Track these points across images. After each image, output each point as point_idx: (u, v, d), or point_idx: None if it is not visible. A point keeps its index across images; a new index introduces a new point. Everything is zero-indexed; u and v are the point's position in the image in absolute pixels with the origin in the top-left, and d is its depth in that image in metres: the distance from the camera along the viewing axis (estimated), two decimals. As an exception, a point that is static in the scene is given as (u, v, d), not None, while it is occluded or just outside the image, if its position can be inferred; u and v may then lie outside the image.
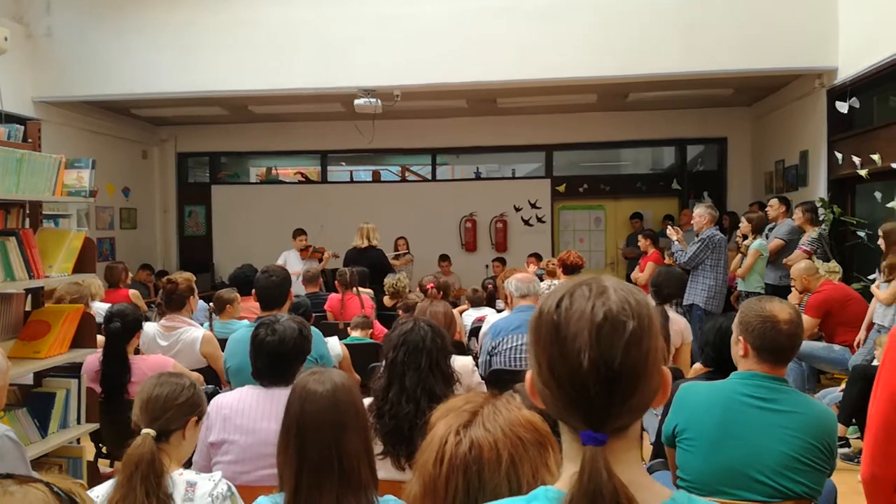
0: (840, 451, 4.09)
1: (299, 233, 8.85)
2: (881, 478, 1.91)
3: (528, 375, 1.05)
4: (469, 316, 6.14)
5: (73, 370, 3.56)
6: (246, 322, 4.46)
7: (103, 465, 4.11)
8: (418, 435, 2.16)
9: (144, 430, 2.03)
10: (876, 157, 6.45)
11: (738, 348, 2.36)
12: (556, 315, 0.98)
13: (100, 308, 5.09)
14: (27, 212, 3.46)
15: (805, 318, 5.32)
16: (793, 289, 6.05)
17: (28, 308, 3.51)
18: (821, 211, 7.14)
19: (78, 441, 3.49)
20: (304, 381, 1.89)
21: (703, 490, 2.22)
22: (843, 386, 5.09)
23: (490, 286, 7.43)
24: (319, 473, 1.77)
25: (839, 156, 7.25)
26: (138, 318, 3.89)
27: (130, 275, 7.23)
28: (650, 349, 0.97)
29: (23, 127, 3.48)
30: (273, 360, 2.66)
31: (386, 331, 4.35)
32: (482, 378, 3.62)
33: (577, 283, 1.02)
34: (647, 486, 1.00)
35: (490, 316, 5.40)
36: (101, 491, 2.00)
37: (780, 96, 8.95)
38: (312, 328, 3.03)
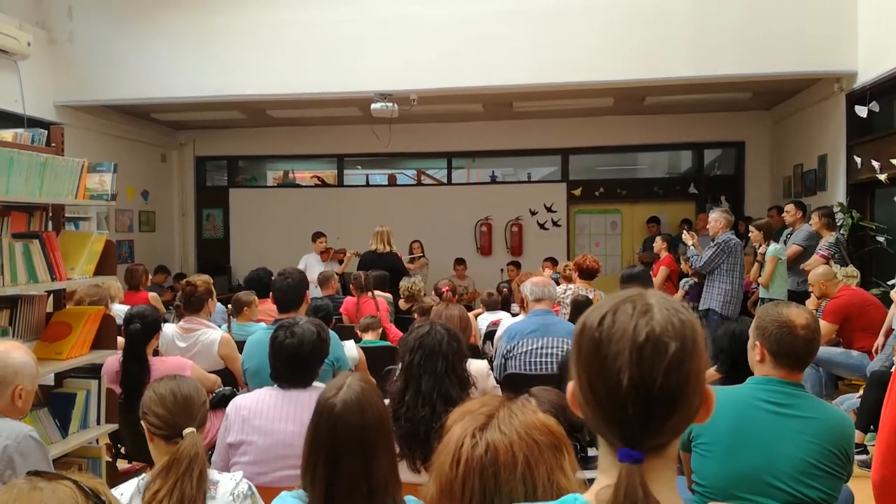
0: (857, 457, 4.06)
1: (319, 235, 8.89)
2: (892, 481, 1.90)
3: (570, 385, 1.04)
4: (484, 319, 6.16)
5: (94, 371, 3.61)
6: (263, 325, 4.51)
7: (122, 466, 4.16)
8: (434, 438, 2.18)
9: (188, 430, 2.05)
10: (895, 161, 6.39)
11: (754, 353, 2.36)
12: (598, 332, 0.97)
13: (119, 310, 5.15)
14: (50, 215, 3.52)
15: (823, 323, 5.28)
16: (811, 294, 6.01)
17: (50, 310, 3.56)
18: (839, 216, 7.08)
19: (97, 441, 3.53)
20: (331, 404, 1.81)
21: (718, 495, 2.22)
22: (860, 392, 5.04)
23: (505, 290, 7.44)
24: (349, 495, 1.75)
25: (858, 160, 7.20)
26: (157, 319, 3.94)
27: (150, 277, 7.30)
28: (692, 371, 0.96)
29: (46, 131, 3.54)
30: (292, 363, 2.68)
31: (401, 334, 4.38)
32: (497, 381, 3.63)
33: (623, 298, 1.01)
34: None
35: (505, 319, 5.41)
36: (127, 490, 2.03)
37: (799, 100, 8.89)
38: (330, 331, 3.05)
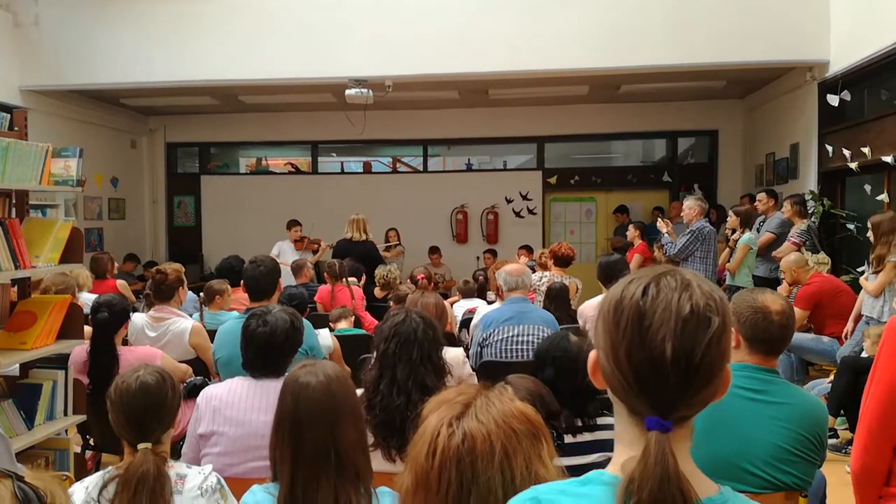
0: (829, 441, 4.12)
1: (294, 224, 8.80)
2: (873, 469, 1.91)
3: (593, 355, 1.07)
4: (460, 307, 6.14)
5: (60, 361, 3.53)
6: (235, 313, 4.44)
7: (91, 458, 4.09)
8: (409, 427, 2.15)
9: (142, 446, 2.00)
10: (866, 149, 6.48)
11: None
12: (643, 302, 1.00)
13: (87, 299, 5.05)
14: (13, 201, 3.42)
15: (795, 309, 5.33)
16: (782, 281, 6.07)
17: (14, 299, 3.47)
18: (810, 203, 7.16)
19: (65, 433, 3.46)
20: (296, 374, 1.87)
21: (694, 481, 2.22)
22: (831, 377, 5.11)
23: (481, 277, 7.42)
24: (316, 467, 1.76)
25: (830, 148, 7.27)
26: (126, 308, 3.86)
27: (117, 265, 7.17)
28: (727, 346, 1.00)
29: (9, 115, 3.43)
30: (264, 352, 2.64)
31: (377, 322, 4.34)
32: (473, 369, 3.61)
33: (661, 272, 1.03)
34: (699, 478, 1.02)
35: (481, 307, 5.39)
36: (90, 482, 1.98)
37: (772, 89, 8.97)
38: (304, 320, 3.00)
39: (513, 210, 10.87)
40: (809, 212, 7.02)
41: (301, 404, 1.80)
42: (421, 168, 11.44)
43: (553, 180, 10.84)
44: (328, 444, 1.76)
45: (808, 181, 7.77)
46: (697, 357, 0.96)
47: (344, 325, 5.04)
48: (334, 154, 11.98)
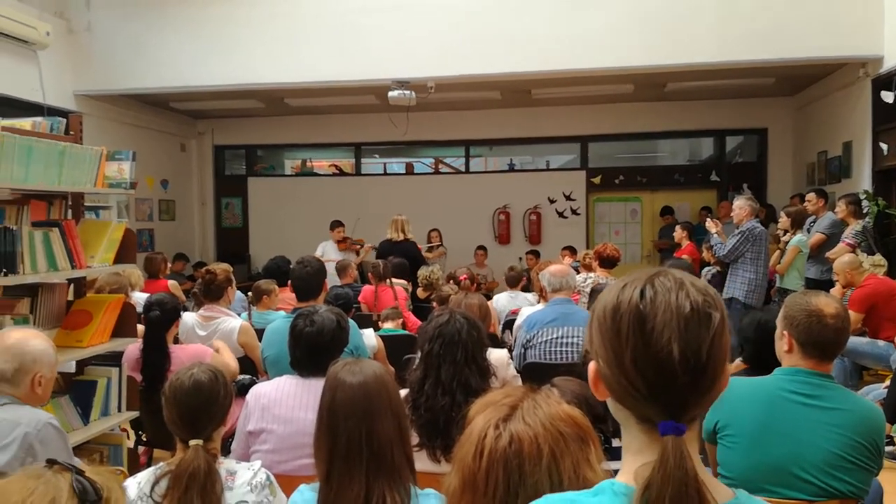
0: (886, 448, 3.99)
1: (337, 224, 8.90)
2: None
3: (593, 366, 1.04)
4: (503, 304, 6.08)
5: (114, 359, 3.63)
6: (283, 313, 4.51)
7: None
8: (454, 427, 2.15)
9: (193, 442, 2.03)
10: (923, 147, 6.27)
11: (782, 343, 2.31)
12: (643, 305, 0.98)
13: (139, 298, 5.17)
14: (69, 203, 3.52)
15: (849, 313, 5.19)
16: (836, 283, 5.91)
17: (70, 298, 3.57)
18: (865, 203, 6.96)
19: (119, 428, 3.55)
20: (335, 371, 1.90)
21: (744, 488, 2.17)
22: (887, 382, 4.95)
23: (525, 278, 7.38)
24: (349, 461, 1.77)
25: (884, 146, 7.06)
26: (177, 307, 3.95)
27: (170, 265, 7.33)
28: (727, 341, 1.00)
29: (65, 120, 3.54)
30: (311, 351, 2.67)
31: (420, 323, 4.35)
32: (517, 371, 3.60)
33: (652, 273, 1.02)
34: (711, 482, 0.99)
35: (525, 308, 5.37)
36: (143, 478, 2.03)
37: (823, 86, 8.74)
38: (349, 320, 3.03)
39: (556, 210, 10.79)
40: (864, 212, 6.82)
41: (337, 397, 1.84)
42: (463, 169, 11.44)
43: (597, 180, 10.73)
44: (361, 438, 1.78)
45: (862, 180, 7.55)
46: (704, 354, 0.95)
47: (389, 326, 5.08)
48: (377, 155, 12.06)
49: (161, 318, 3.76)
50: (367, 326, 4.60)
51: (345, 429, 1.79)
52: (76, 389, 3.36)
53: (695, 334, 0.95)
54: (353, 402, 1.82)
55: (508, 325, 5.50)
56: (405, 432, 1.89)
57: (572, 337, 4.01)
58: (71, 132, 3.52)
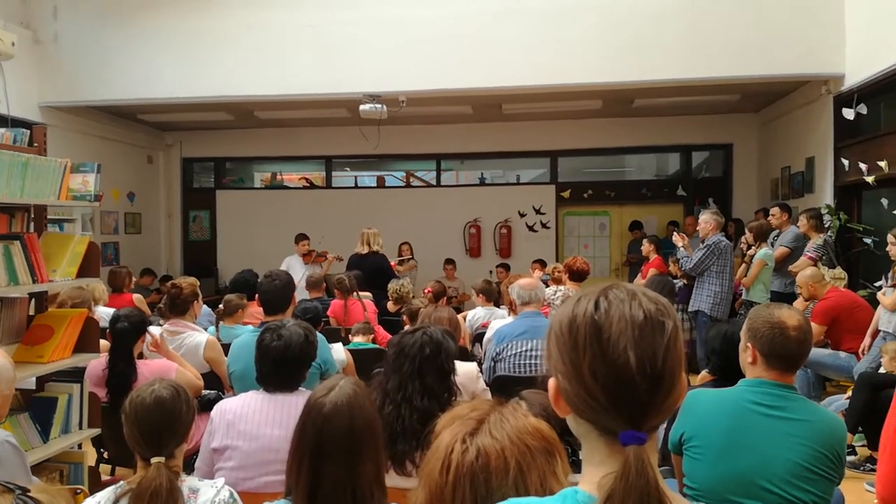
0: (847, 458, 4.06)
1: (301, 238, 8.84)
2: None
3: (552, 383, 1.05)
4: (480, 318, 6.05)
5: (76, 375, 3.54)
6: (250, 327, 4.46)
7: (105, 472, 4.09)
8: (423, 441, 2.14)
9: (155, 460, 1.99)
10: (883, 163, 6.43)
11: (746, 355, 2.34)
12: (598, 316, 1.00)
13: (103, 313, 5.08)
14: (32, 216, 3.45)
15: (812, 325, 5.28)
16: (799, 296, 6.02)
17: (31, 312, 3.50)
18: (826, 217, 7.11)
19: (80, 446, 3.47)
20: (320, 405, 1.78)
21: (710, 498, 2.19)
22: (848, 393, 5.05)
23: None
24: (333, 501, 1.72)
25: (846, 162, 7.23)
26: (144, 320, 3.88)
27: (134, 279, 7.22)
28: (682, 349, 1.01)
29: (28, 131, 3.48)
30: (278, 366, 2.64)
31: (389, 336, 4.33)
32: (486, 384, 3.60)
33: (606, 287, 1.04)
34: (674, 495, 1.00)
35: (495, 321, 5.37)
36: (102, 497, 1.98)
37: (787, 102, 8.93)
38: (318, 334, 3.01)
39: (526, 224, 10.85)
40: (826, 226, 6.96)
41: (324, 438, 1.74)
42: (434, 182, 11.46)
43: (566, 194, 10.82)
44: (346, 483, 1.71)
45: (824, 195, 7.71)
46: (660, 361, 0.96)
47: (360, 340, 5.05)
48: (348, 168, 12.03)
49: (129, 329, 3.68)
50: (336, 341, 4.57)
51: (330, 472, 1.72)
52: (36, 406, 3.28)
53: (650, 342, 0.97)
54: (340, 441, 1.73)
55: (479, 338, 5.50)
56: (382, 465, 1.84)
57: (542, 350, 4.02)
58: (35, 144, 3.46)
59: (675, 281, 7.45)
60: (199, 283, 4.58)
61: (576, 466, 1.49)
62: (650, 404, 0.96)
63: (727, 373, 2.79)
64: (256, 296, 4.51)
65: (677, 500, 1.00)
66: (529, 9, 7.67)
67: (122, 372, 3.64)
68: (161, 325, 4.50)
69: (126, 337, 3.69)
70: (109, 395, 3.64)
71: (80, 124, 8.93)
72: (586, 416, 1.01)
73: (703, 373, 3.32)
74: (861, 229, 7.06)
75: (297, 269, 8.27)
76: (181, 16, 8.10)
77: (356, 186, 11.95)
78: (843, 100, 7.21)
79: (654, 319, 0.98)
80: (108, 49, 8.11)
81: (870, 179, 6.65)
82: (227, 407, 2.62)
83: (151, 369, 3.65)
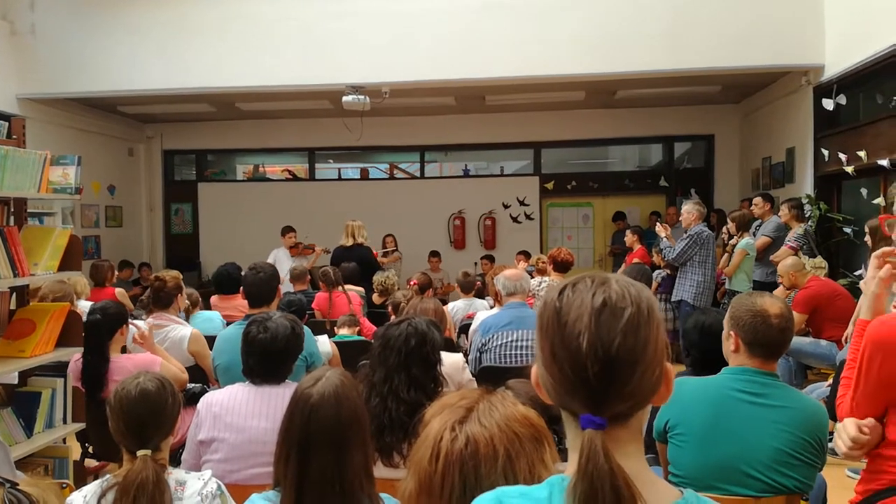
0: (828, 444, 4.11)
1: (288, 230, 8.80)
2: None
3: (534, 368, 1.07)
4: (459, 310, 6.10)
5: (59, 369, 3.51)
6: (216, 313, 4.45)
7: (90, 465, 4.07)
8: (411, 433, 2.15)
9: (141, 453, 1.98)
10: (862, 153, 6.50)
11: (729, 343, 2.36)
12: (559, 302, 1.02)
13: (85, 307, 5.03)
14: (12, 209, 3.41)
15: (793, 313, 5.34)
16: (780, 285, 6.08)
17: (13, 307, 3.46)
18: (807, 207, 7.18)
19: (64, 441, 3.45)
20: (307, 395, 1.77)
21: (694, 485, 2.22)
22: (829, 381, 5.11)
23: (479, 283, 7.40)
24: (321, 492, 1.71)
25: (826, 152, 7.30)
26: (122, 313, 3.80)
27: (116, 273, 7.16)
28: (649, 338, 0.99)
29: (7, 123, 3.43)
30: (265, 358, 2.63)
31: (375, 328, 4.33)
32: (472, 375, 3.61)
33: (582, 276, 1.06)
34: (652, 482, 1.00)
35: (480, 313, 5.39)
36: (88, 491, 1.97)
37: (767, 94, 9.00)
38: (304, 326, 3.00)
39: (510, 215, 10.88)
40: (806, 216, 7.03)
41: (311, 430, 1.73)
42: (418, 174, 11.45)
43: (550, 185, 10.85)
44: (334, 474, 1.71)
45: (805, 185, 7.80)
46: (614, 347, 0.96)
47: (346, 332, 5.04)
48: (331, 161, 11.98)
49: (101, 321, 3.61)
50: (321, 333, 4.56)
51: (317, 463, 1.71)
52: (19, 401, 3.25)
53: (605, 327, 0.97)
54: (328, 432, 1.72)
55: (464, 329, 5.52)
56: (370, 455, 1.83)
57: (527, 340, 4.04)
58: (13, 136, 3.41)
59: (658, 271, 7.51)
60: (182, 277, 4.55)
61: (564, 454, 1.51)
62: (604, 390, 0.96)
63: (704, 364, 2.79)
64: (241, 288, 4.49)
65: (660, 488, 1.00)
66: (513, 1, 7.66)
67: (93, 364, 3.59)
68: (144, 319, 4.46)
69: (98, 329, 3.62)
70: (84, 388, 3.59)
71: (59, 116, 8.82)
72: (555, 400, 1.03)
73: (681, 368, 3.32)
74: (841, 219, 7.14)
75: (284, 262, 8.24)
76: (161, 6, 8.01)
77: (339, 178, 11.92)
78: (823, 90, 7.28)
79: (614, 306, 0.98)
80: (87, 40, 8.00)
81: (849, 169, 6.72)
82: (214, 399, 2.61)
83: (135, 363, 3.62)
